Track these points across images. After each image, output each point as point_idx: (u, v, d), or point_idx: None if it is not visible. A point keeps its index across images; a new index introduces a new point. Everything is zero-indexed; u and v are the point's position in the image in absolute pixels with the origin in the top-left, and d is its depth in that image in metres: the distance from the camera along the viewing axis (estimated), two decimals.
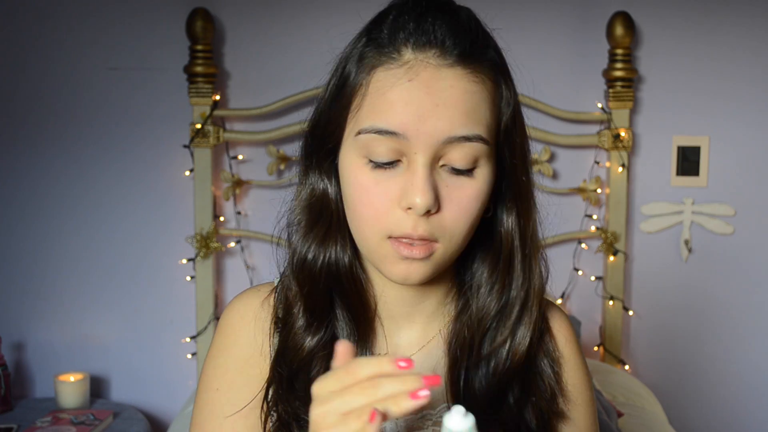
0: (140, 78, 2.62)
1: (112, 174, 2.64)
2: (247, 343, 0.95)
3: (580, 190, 2.60)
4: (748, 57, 2.59)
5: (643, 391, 2.43)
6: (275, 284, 0.98)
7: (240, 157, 2.62)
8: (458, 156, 0.81)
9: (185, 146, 2.57)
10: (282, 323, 0.94)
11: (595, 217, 2.63)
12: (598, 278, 2.64)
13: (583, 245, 2.64)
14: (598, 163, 2.61)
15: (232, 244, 2.65)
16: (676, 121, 2.62)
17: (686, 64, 2.60)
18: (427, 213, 0.81)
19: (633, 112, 2.59)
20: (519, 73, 0.90)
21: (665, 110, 2.62)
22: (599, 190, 2.59)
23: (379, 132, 0.81)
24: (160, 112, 2.63)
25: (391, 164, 0.82)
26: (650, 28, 2.60)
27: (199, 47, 2.49)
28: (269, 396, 0.91)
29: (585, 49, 2.60)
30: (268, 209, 2.94)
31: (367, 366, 0.70)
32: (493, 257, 0.92)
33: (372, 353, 0.94)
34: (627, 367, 2.64)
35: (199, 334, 2.60)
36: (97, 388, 2.67)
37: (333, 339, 0.91)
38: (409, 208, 0.81)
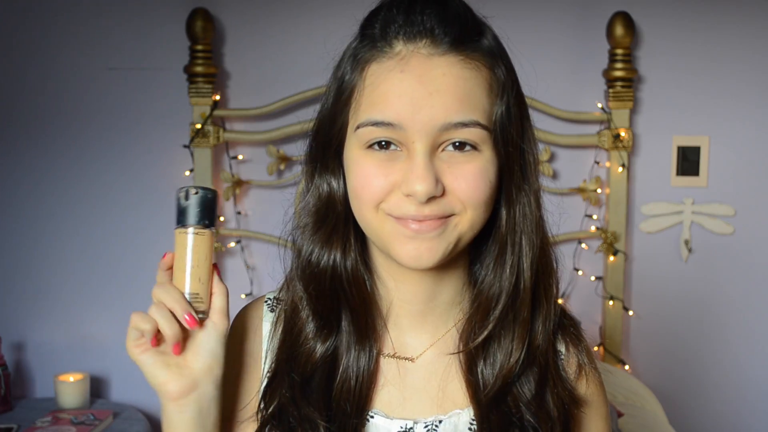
0: (140, 78, 2.62)
1: (112, 174, 2.64)
2: (248, 354, 0.96)
3: (580, 190, 2.60)
4: (748, 57, 2.59)
5: (643, 391, 2.43)
6: (278, 291, 0.98)
7: (240, 157, 2.62)
8: (457, 140, 0.82)
9: (185, 146, 2.57)
10: (287, 329, 0.93)
11: (595, 217, 2.63)
12: (598, 278, 2.64)
13: (583, 245, 2.64)
14: (598, 163, 2.61)
15: (232, 244, 2.65)
16: (676, 121, 2.62)
17: (686, 64, 2.60)
18: (432, 199, 0.81)
19: (633, 112, 2.59)
20: (519, 73, 0.90)
21: (665, 110, 2.62)
22: (599, 190, 2.59)
23: (376, 124, 0.81)
24: (160, 112, 2.63)
25: (392, 150, 0.82)
26: (650, 28, 2.60)
27: (199, 47, 2.49)
28: (270, 403, 0.91)
29: (585, 49, 2.60)
30: (268, 209, 2.94)
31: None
32: (492, 248, 0.91)
33: (380, 352, 0.93)
34: (627, 367, 2.64)
35: None
36: (97, 388, 2.67)
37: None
38: (409, 195, 0.81)
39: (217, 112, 2.55)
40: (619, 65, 2.51)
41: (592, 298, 2.66)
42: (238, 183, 2.60)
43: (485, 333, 0.90)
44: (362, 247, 0.92)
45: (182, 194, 0.85)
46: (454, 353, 0.92)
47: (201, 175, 2.54)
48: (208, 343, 0.85)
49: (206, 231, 0.85)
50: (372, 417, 0.91)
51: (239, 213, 2.64)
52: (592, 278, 2.65)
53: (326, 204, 0.91)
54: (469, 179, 0.83)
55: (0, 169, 2.65)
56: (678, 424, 2.56)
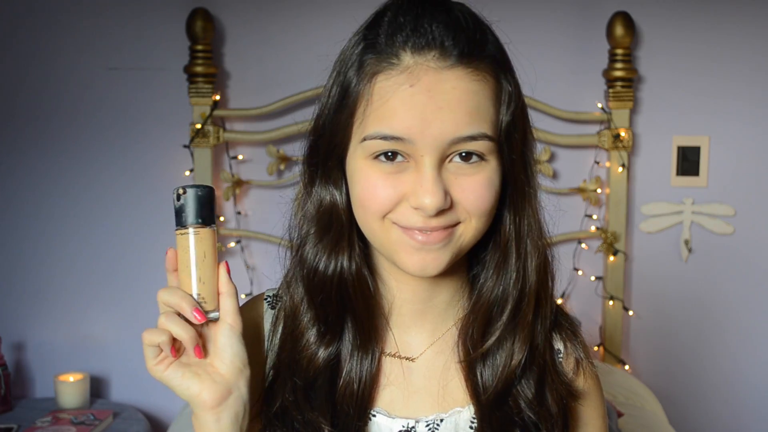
0: (140, 78, 2.62)
1: (112, 174, 2.64)
2: (251, 353, 0.96)
3: (580, 190, 2.60)
4: (747, 57, 2.59)
5: (643, 391, 2.43)
6: (277, 288, 0.98)
7: (240, 157, 2.62)
8: (465, 151, 0.82)
9: (185, 146, 2.57)
10: (287, 331, 0.93)
11: (595, 217, 2.63)
12: (598, 278, 2.64)
13: (583, 245, 2.64)
14: (598, 163, 2.61)
15: (232, 244, 2.65)
16: (676, 121, 2.62)
17: (686, 64, 2.60)
18: (439, 213, 0.81)
19: (633, 112, 2.59)
20: (519, 73, 0.90)
21: (665, 110, 2.62)
22: (599, 190, 2.59)
23: (384, 138, 0.81)
24: (160, 112, 2.63)
25: (399, 161, 0.82)
26: (650, 28, 2.60)
27: (199, 47, 2.49)
28: (273, 404, 0.91)
29: (585, 49, 2.60)
30: (268, 209, 2.94)
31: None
32: (494, 253, 0.91)
33: (382, 352, 0.93)
34: (627, 367, 2.64)
35: None
36: (97, 388, 2.67)
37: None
38: (418, 208, 0.81)
39: (217, 112, 2.55)
40: (619, 65, 2.51)
41: (592, 298, 2.66)
42: (238, 183, 2.60)
43: (492, 339, 0.90)
44: (364, 248, 0.92)
45: (174, 196, 0.84)
46: (459, 362, 0.92)
47: (201, 175, 2.54)
48: (231, 347, 0.84)
49: (201, 229, 0.83)
50: (374, 416, 0.91)
51: (239, 213, 2.64)
52: (592, 278, 2.65)
53: (329, 212, 0.90)
54: (477, 190, 0.83)
55: (0, 169, 2.65)
56: (678, 424, 2.56)
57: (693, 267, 2.66)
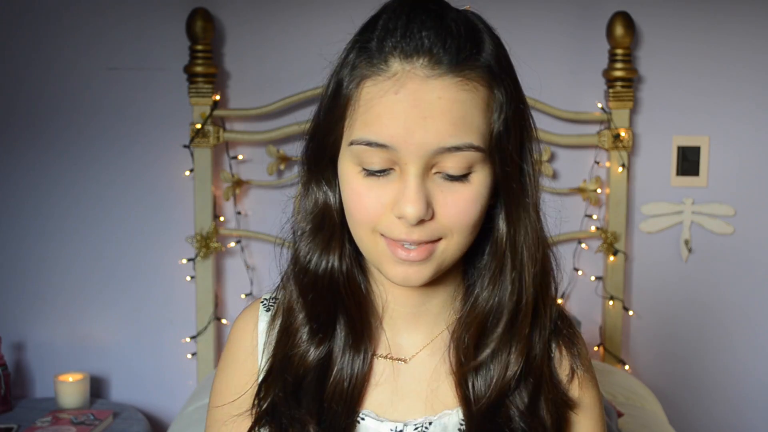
0: (140, 78, 2.62)
1: (112, 174, 2.64)
2: (247, 359, 0.96)
3: (580, 190, 2.60)
4: (748, 57, 2.59)
5: (643, 391, 2.42)
6: (275, 291, 0.99)
7: (240, 157, 2.62)
8: (451, 164, 0.80)
9: (185, 146, 2.57)
10: (283, 327, 0.94)
11: (595, 217, 2.63)
12: (598, 278, 2.64)
13: (583, 245, 2.64)
14: (598, 163, 2.61)
15: (232, 244, 2.65)
16: (676, 121, 2.62)
17: (686, 64, 2.60)
18: (421, 222, 0.81)
19: (633, 112, 2.59)
20: (519, 73, 0.90)
21: (665, 110, 2.62)
22: (599, 190, 2.59)
23: (369, 144, 0.80)
24: (160, 112, 2.63)
25: (384, 172, 0.82)
26: (650, 28, 2.60)
27: (199, 47, 2.49)
28: (264, 400, 0.91)
29: (585, 49, 2.60)
30: (268, 209, 2.94)
31: None
32: (490, 263, 0.90)
33: (375, 355, 0.93)
34: (627, 367, 2.64)
35: (199, 334, 2.60)
36: (97, 388, 2.67)
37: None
38: (401, 218, 0.81)
39: (217, 112, 2.55)
40: (619, 65, 2.51)
41: (592, 298, 2.66)
42: (238, 183, 2.60)
43: (487, 352, 0.89)
44: (356, 249, 0.92)
45: None
46: (451, 373, 0.91)
47: (201, 175, 2.54)
48: None
49: None
50: (363, 419, 0.91)
51: (239, 213, 2.64)
52: (592, 278, 2.65)
53: (322, 211, 0.91)
54: (460, 206, 0.82)
55: (0, 169, 2.65)
56: (678, 424, 2.56)
57: (693, 267, 2.66)
